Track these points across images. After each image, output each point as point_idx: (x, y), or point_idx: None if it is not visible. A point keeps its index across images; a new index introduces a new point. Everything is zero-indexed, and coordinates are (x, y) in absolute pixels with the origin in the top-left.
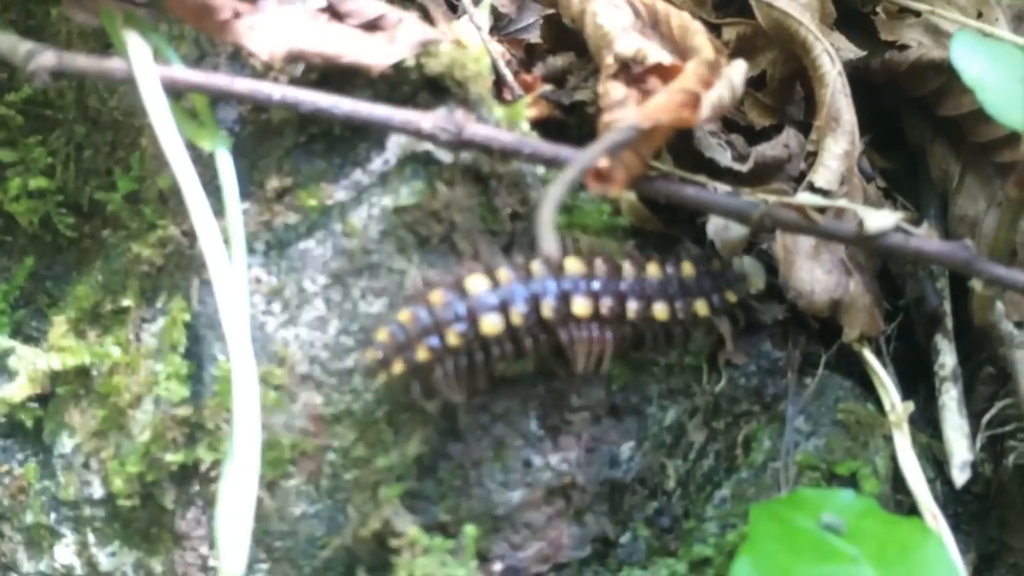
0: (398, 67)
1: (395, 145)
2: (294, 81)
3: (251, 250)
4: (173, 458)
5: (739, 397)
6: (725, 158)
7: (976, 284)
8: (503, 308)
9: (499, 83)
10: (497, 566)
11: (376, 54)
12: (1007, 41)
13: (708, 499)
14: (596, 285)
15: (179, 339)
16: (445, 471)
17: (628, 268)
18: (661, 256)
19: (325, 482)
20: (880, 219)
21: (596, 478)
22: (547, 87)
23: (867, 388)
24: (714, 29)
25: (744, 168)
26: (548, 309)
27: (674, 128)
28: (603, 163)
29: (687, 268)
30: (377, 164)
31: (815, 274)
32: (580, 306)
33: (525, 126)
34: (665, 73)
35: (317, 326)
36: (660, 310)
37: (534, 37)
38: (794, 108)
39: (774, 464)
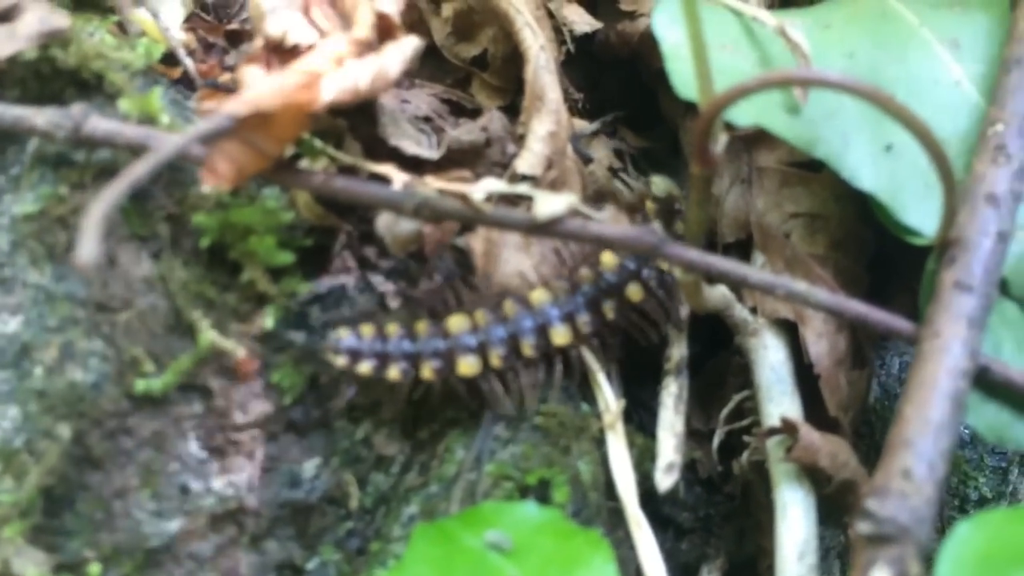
0: (19, 61)
1: (32, 147)
2: None
3: None
4: None
5: (445, 404)
6: (412, 146)
7: (676, 270)
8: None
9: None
10: None
11: None
12: (724, 6)
13: (398, 518)
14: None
15: None
16: (84, 503)
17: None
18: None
19: None
20: (551, 204)
21: (275, 500)
22: (226, 76)
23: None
24: (435, 5)
25: (435, 155)
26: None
27: (294, 113)
28: (210, 156)
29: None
30: (16, 169)
31: (524, 266)
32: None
33: (165, 118)
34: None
35: None
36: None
37: None
38: None
39: (470, 475)
